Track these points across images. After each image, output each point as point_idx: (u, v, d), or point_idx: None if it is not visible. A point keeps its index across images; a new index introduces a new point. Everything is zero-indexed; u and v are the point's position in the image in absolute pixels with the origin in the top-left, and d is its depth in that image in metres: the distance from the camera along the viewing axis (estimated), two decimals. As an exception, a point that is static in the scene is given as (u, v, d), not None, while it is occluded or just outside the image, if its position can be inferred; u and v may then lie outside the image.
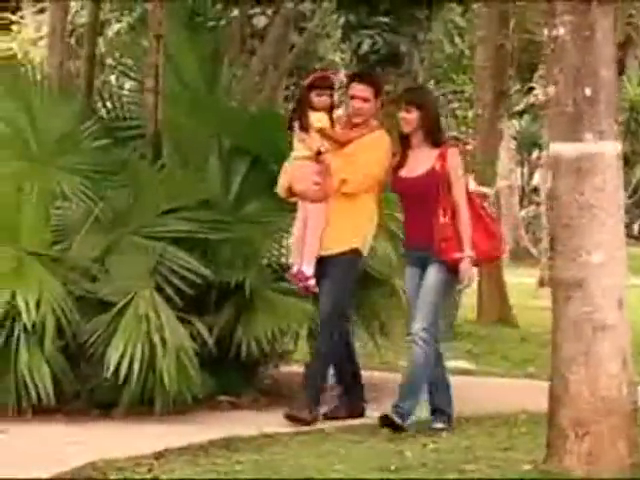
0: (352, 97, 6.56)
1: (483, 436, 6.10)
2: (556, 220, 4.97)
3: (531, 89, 22.53)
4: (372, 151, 6.48)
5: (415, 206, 6.25)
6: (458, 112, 15.45)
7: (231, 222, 7.15)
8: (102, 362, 6.41)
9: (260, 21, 10.51)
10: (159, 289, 6.69)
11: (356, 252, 6.55)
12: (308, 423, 6.33)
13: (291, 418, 6.34)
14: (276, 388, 7.47)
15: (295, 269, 6.55)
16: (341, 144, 6.57)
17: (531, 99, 22.96)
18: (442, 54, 14.17)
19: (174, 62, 7.57)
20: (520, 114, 23.48)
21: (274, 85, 7.91)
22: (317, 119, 6.51)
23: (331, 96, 6.62)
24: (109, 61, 11.38)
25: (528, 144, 28.59)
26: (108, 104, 7.74)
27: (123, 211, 6.97)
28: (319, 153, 6.49)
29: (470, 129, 14.84)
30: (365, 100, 6.54)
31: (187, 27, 7.93)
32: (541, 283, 19.79)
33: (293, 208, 7.42)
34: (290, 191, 6.66)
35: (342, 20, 10.34)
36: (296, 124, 6.57)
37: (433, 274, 6.17)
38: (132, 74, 8.02)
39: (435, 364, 6.29)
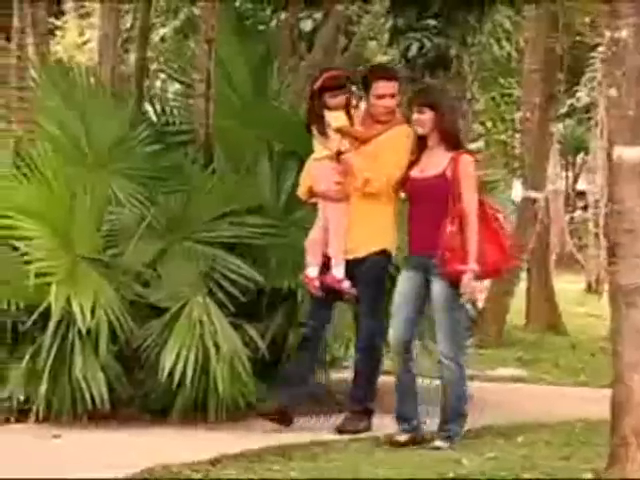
0: (381, 96, 6.40)
1: (540, 444, 6.08)
2: (617, 225, 4.95)
3: (576, 92, 22.41)
4: (393, 149, 6.33)
5: (421, 209, 6.10)
6: (505, 116, 15.38)
7: (282, 227, 7.17)
8: (155, 367, 6.46)
9: (307, 25, 10.53)
10: (211, 294, 6.74)
11: (385, 253, 6.43)
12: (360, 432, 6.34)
13: (345, 432, 6.32)
14: (327, 395, 7.47)
15: (310, 271, 6.43)
16: (362, 142, 6.43)
17: (575, 103, 22.81)
18: (490, 57, 14.10)
19: (224, 66, 7.62)
20: (564, 117, 23.38)
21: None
22: (334, 118, 6.37)
23: (346, 93, 6.44)
24: (154, 66, 11.44)
25: (573, 148, 28.44)
26: (157, 109, 7.80)
27: (175, 216, 7.02)
28: (340, 153, 6.37)
29: (517, 132, 14.78)
30: (393, 96, 6.44)
31: (236, 31, 7.97)
32: (588, 289, 19.68)
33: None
34: (311, 192, 6.55)
35: (390, 23, 10.33)
36: (314, 128, 6.43)
37: (440, 293, 5.98)
38: (182, 79, 8.07)
39: (407, 370, 6.13)
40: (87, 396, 6.32)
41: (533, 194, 11.76)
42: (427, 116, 6.11)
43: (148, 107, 7.81)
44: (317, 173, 6.47)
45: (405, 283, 6.13)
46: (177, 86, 8.36)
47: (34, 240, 6.52)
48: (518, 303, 12.72)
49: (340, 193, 6.39)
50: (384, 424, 6.48)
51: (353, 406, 6.47)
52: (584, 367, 10.07)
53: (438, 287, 5.99)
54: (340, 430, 6.36)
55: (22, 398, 6.43)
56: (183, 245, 6.95)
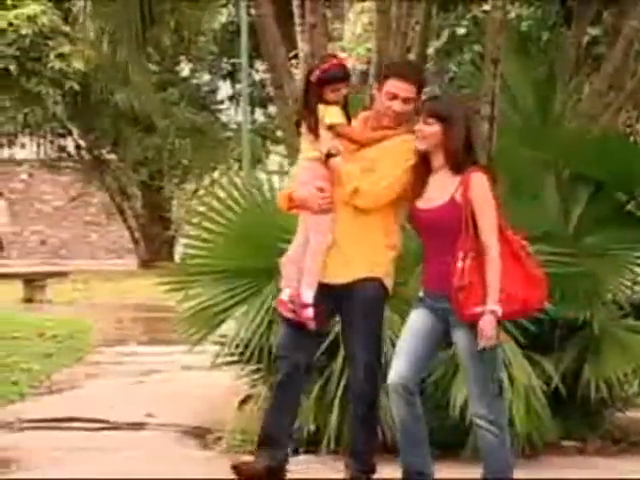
0: (392, 96, 5.58)
1: None
2: None
3: None
4: (396, 158, 5.52)
5: (433, 245, 5.36)
6: None
7: (572, 255, 7.11)
8: (442, 401, 6.52)
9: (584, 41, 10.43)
10: (498, 324, 6.76)
11: (377, 282, 5.58)
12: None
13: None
14: (622, 434, 7.36)
15: (286, 295, 5.64)
16: (360, 146, 5.64)
17: None
18: None
19: (507, 87, 7.69)
20: None
21: (616, 108, 7.83)
22: (329, 113, 5.57)
23: (347, 87, 5.66)
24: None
25: None
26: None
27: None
28: (329, 155, 5.58)
29: None
30: (406, 101, 5.59)
31: (519, 50, 8.05)
32: None
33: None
34: (291, 200, 5.72)
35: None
36: (303, 124, 5.65)
37: (463, 342, 5.26)
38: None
39: (417, 420, 5.48)
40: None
41: None
42: (432, 129, 5.34)
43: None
44: (300, 177, 5.71)
45: (415, 318, 5.41)
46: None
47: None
48: None
49: (321, 202, 5.56)
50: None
51: (357, 465, 5.70)
52: None
53: (460, 335, 5.28)
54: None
55: (312, 429, 6.64)
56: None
